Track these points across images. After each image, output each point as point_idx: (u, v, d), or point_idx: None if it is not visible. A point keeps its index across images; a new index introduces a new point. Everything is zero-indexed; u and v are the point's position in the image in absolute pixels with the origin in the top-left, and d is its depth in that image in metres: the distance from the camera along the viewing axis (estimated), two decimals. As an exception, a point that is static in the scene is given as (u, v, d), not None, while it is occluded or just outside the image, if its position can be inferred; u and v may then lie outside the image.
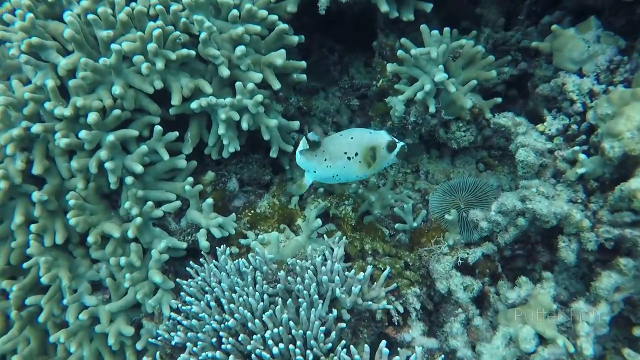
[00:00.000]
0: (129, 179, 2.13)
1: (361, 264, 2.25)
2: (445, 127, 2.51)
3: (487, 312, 2.12)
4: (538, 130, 2.15)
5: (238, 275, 2.09)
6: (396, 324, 2.14)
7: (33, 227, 2.09)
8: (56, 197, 2.18)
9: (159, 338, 2.08)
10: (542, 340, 1.86)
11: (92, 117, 2.04)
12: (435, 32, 2.24)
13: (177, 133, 2.25)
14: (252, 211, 2.47)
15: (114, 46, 2.02)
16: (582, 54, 2.13)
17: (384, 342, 1.79)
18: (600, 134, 1.94)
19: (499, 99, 2.41)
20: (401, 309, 2.15)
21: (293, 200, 2.54)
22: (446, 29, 2.26)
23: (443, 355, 2.01)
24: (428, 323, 2.24)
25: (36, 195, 2.07)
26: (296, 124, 2.42)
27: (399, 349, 2.07)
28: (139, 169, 2.12)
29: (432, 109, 2.29)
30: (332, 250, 2.24)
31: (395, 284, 2.14)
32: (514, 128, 2.18)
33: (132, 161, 2.14)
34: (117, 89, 2.06)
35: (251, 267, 2.07)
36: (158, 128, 2.18)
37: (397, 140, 1.93)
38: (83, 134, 2.03)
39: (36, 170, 2.11)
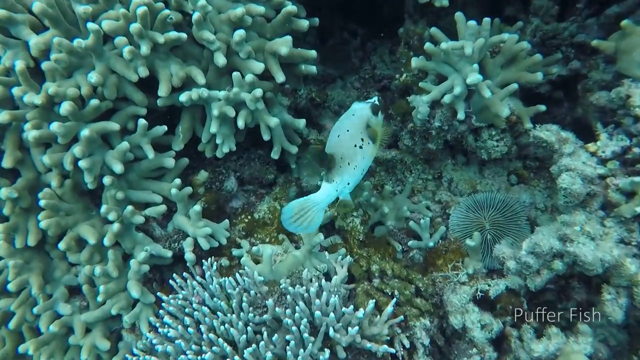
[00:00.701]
0: (107, 179, 1.86)
1: (365, 288, 1.97)
2: (475, 134, 2.14)
3: (506, 358, 1.82)
4: (588, 151, 1.77)
5: (224, 296, 1.84)
6: (400, 358, 1.88)
7: (1, 226, 1.87)
8: (30, 192, 1.94)
9: (134, 357, 1.87)
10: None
11: (66, 107, 1.76)
12: (472, 22, 1.85)
13: (165, 127, 1.96)
14: (250, 216, 2.19)
15: (91, 25, 1.72)
16: (656, 60, 1.71)
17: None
18: (670, 165, 1.56)
19: (543, 107, 2.01)
20: (407, 343, 1.88)
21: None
22: (486, 20, 1.86)
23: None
24: (437, 357, 1.97)
25: (4, 192, 1.83)
26: (302, 122, 2.09)
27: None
28: (118, 168, 1.85)
29: (461, 115, 1.92)
30: (335, 269, 1.97)
31: (401, 316, 1.86)
32: (559, 145, 1.80)
33: (112, 158, 1.87)
34: (93, 77, 1.77)
35: (238, 288, 1.82)
36: (142, 122, 1.89)
37: (373, 101, 1.76)
38: (55, 126, 1.76)
39: (6, 163, 1.86)
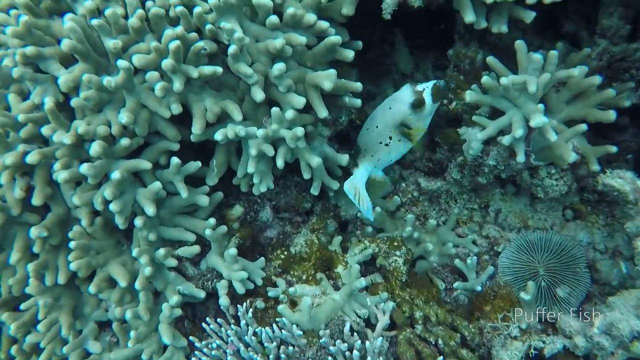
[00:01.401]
0: (139, 221, 1.77)
1: (408, 337, 1.86)
2: (532, 171, 1.97)
3: (562, 422, 1.70)
4: (667, 204, 1.59)
5: (260, 347, 1.76)
6: (443, 414, 1.78)
7: (31, 266, 1.81)
8: (60, 228, 1.88)
9: (167, 403, 1.82)
10: None
11: (96, 148, 1.66)
12: (537, 56, 1.65)
13: (199, 164, 1.84)
14: (286, 252, 2.08)
15: (121, 63, 1.59)
16: None
17: None
18: None
19: (614, 148, 1.81)
20: (451, 400, 1.78)
21: (335, 241, 2.13)
22: (552, 53, 1.66)
23: None
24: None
25: (34, 232, 1.75)
26: (345, 158, 1.95)
27: None
28: (151, 210, 1.75)
29: (521, 159, 1.75)
30: (375, 315, 1.86)
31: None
32: (634, 196, 1.63)
33: (144, 199, 1.78)
34: (124, 117, 1.65)
35: (275, 340, 1.73)
36: (176, 160, 1.78)
37: (422, 91, 1.83)
38: (85, 168, 1.66)
39: (36, 200, 1.78)
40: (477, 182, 2.08)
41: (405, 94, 1.86)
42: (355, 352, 1.58)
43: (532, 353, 1.74)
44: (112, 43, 1.64)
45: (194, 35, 1.68)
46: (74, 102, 1.71)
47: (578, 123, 1.75)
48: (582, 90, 1.75)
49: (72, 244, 1.80)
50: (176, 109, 1.70)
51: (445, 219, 2.27)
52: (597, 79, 1.71)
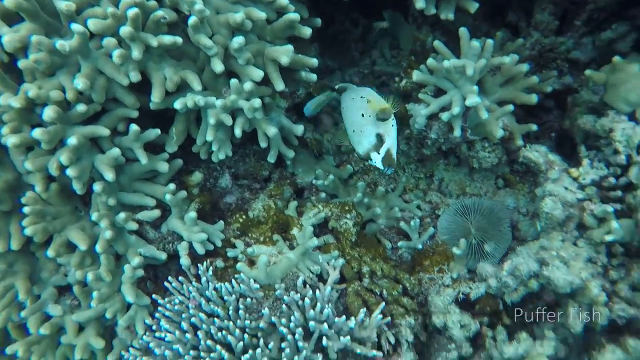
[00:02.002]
0: (97, 187, 1.79)
1: (356, 288, 2.09)
2: (469, 144, 2.21)
3: (481, 354, 2.04)
4: (571, 176, 1.90)
5: (220, 301, 1.91)
6: (386, 352, 2.06)
7: (-18, 232, 1.79)
8: (10, 194, 1.85)
9: (131, 356, 1.94)
10: (532, 401, 1.82)
11: (50, 113, 1.63)
12: (475, 43, 1.84)
13: (158, 131, 1.86)
14: (244, 216, 2.21)
15: (75, 27, 1.55)
16: (642, 96, 1.81)
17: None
18: (638, 199, 1.71)
19: (534, 127, 2.08)
20: (392, 340, 2.05)
21: (291, 206, 2.28)
22: (489, 42, 1.85)
23: (427, 393, 1.97)
24: (419, 349, 2.17)
25: (-17, 198, 1.74)
26: (300, 129, 2.06)
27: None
28: (110, 176, 1.77)
29: (457, 133, 1.97)
30: (327, 271, 2.07)
31: (389, 317, 2.02)
32: (545, 167, 1.92)
33: (103, 165, 1.80)
34: (80, 83, 1.62)
35: (234, 294, 1.89)
36: (134, 127, 1.79)
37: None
38: (38, 133, 1.64)
39: (-17, 165, 1.75)
40: (422, 153, 2.30)
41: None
42: (306, 300, 1.78)
43: (460, 297, 2.04)
44: (64, 5, 1.58)
45: (153, 3, 1.66)
46: (22, 64, 1.65)
47: (509, 104, 1.99)
48: (512, 75, 1.97)
49: (25, 210, 1.78)
50: (135, 77, 1.70)
51: (394, 187, 2.50)
52: (524, 67, 1.94)
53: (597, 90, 2.04)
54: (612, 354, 1.74)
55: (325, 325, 1.75)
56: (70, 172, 1.72)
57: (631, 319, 1.70)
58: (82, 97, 1.74)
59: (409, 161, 2.40)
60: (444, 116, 1.92)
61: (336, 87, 2.20)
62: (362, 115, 1.93)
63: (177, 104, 1.78)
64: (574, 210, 1.88)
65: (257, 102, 1.79)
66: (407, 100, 2.17)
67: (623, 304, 1.70)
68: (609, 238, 1.75)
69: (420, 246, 2.24)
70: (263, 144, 1.96)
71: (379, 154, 1.88)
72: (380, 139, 1.88)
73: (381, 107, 1.84)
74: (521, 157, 1.97)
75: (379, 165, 1.88)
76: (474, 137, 2.09)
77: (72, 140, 1.68)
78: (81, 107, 1.71)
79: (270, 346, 1.74)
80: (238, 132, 1.87)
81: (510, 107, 1.94)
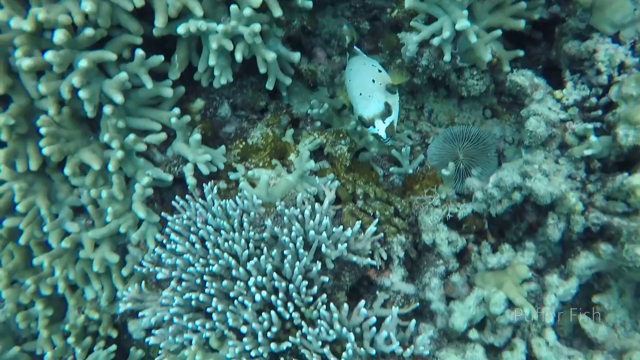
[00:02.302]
0: (108, 109, 1.96)
1: (351, 209, 2.29)
2: (458, 72, 2.34)
3: (467, 268, 2.25)
4: (555, 97, 2.05)
5: (225, 216, 2.11)
6: (378, 267, 2.28)
7: (1, 152, 1.98)
8: (25, 118, 2.02)
9: (143, 268, 2.17)
10: (511, 304, 2.04)
11: (59, 36, 1.78)
12: (466, -32, 1.96)
13: (162, 57, 2.01)
14: (244, 142, 2.38)
15: (81, -51, 1.69)
16: (626, 17, 1.92)
17: (362, 302, 1.91)
18: (617, 116, 1.87)
19: (521, 52, 2.21)
20: (385, 256, 2.26)
21: (288, 133, 2.45)
22: (480, -36, 1.97)
23: (418, 304, 2.20)
24: (409, 267, 2.39)
25: (0, 120, 1.91)
26: (297, 56, 2.20)
27: (377, 292, 2.24)
28: (119, 99, 1.94)
29: (447, 58, 2.11)
30: (323, 192, 2.25)
31: (382, 233, 2.22)
32: (531, 90, 2.06)
33: (111, 88, 1.96)
34: (87, 5, 1.77)
35: (238, 209, 2.08)
36: (140, 52, 1.94)
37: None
38: (50, 55, 1.79)
39: (-2, 89, 1.90)
40: (413, 83, 2.44)
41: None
42: (306, 212, 1.97)
43: (448, 216, 2.24)
44: None
45: None
46: (31, -11, 1.78)
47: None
48: (500, 2, 2.09)
49: (42, 131, 1.96)
50: (139, 1, 1.83)
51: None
52: (513, -8, 2.05)
53: (584, 18, 2.15)
54: (586, 259, 1.94)
55: (324, 234, 1.95)
56: (82, 94, 1.88)
57: (604, 226, 1.89)
58: (89, 22, 1.87)
59: (400, 92, 2.54)
60: (435, 41, 2.05)
61: (347, 46, 2.29)
62: (373, 81, 2.01)
63: (181, 29, 1.91)
64: (557, 130, 2.04)
65: (256, 26, 1.93)
66: (398, 30, 2.29)
67: (597, 212, 1.89)
68: (588, 152, 1.91)
69: (411, 171, 2.42)
70: (262, 69, 2.11)
71: (384, 122, 1.94)
72: (388, 109, 1.94)
73: (395, 78, 1.95)
74: (508, 81, 2.11)
75: (382, 133, 1.93)
76: (463, 64, 2.23)
77: (83, 63, 1.84)
78: (89, 31, 1.85)
79: (273, 253, 1.95)
80: (238, 57, 2.01)
81: (499, 32, 2.07)
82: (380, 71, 2.11)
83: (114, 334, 2.39)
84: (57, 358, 2.34)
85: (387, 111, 1.95)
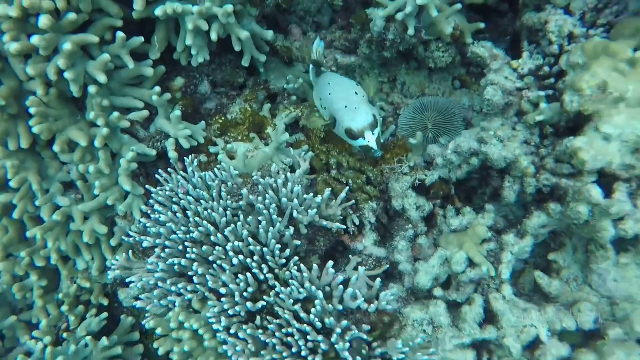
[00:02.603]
0: (92, 89, 2.16)
1: (324, 178, 2.50)
2: (425, 45, 2.54)
3: (434, 231, 2.47)
4: (512, 67, 2.24)
5: (204, 187, 2.32)
6: (351, 233, 2.49)
7: (-5, 131, 2.18)
8: (15, 100, 2.22)
9: (130, 238, 2.38)
10: (472, 263, 2.26)
11: (44, 21, 1.97)
12: (426, -57, 2.13)
13: (142, 38, 2.21)
14: (223, 118, 2.58)
15: (61, -62, 1.87)
16: (575, -11, 2.11)
17: (330, 262, 2.12)
18: (566, 83, 2.06)
19: (482, 25, 2.40)
20: (357, 222, 2.48)
21: (265, 108, 2.65)
22: (439, -58, 2.15)
23: (388, 266, 2.42)
24: (383, 232, 2.60)
25: (-8, 100, 2.10)
26: (270, 34, 2.39)
27: (350, 256, 2.46)
28: (102, 78, 2.14)
29: (411, 32, 2.29)
30: (299, 163, 2.46)
31: (353, 200, 2.43)
32: (490, 60, 2.26)
33: (94, 69, 2.15)
34: (70, -9, 1.96)
35: (217, 180, 2.29)
36: (121, 35, 2.13)
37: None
38: (36, 39, 1.99)
39: (-13, 72, 2.10)
40: (384, 57, 2.63)
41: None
42: (279, 180, 2.18)
43: (416, 183, 2.44)
44: None
45: None
46: (15, -24, 1.96)
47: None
48: (461, -25, 2.27)
49: (31, 111, 2.16)
50: (117, -15, 2.02)
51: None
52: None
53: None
54: (538, 219, 2.15)
55: (296, 201, 2.16)
56: (67, 75, 2.08)
57: (554, 187, 2.10)
58: (71, 7, 2.06)
59: (372, 66, 2.73)
60: (399, 16, 2.24)
61: (313, 62, 2.36)
62: (356, 93, 2.11)
63: (158, 11, 2.10)
64: (514, 98, 2.24)
65: (229, 7, 2.11)
66: (367, 6, 2.47)
67: (548, 174, 2.09)
68: (539, 118, 2.11)
69: (382, 141, 2.61)
70: (237, 48, 2.30)
71: (373, 134, 1.99)
72: (375, 120, 2.00)
73: (371, 90, 2.05)
74: (469, 52, 2.30)
75: (373, 144, 1.98)
76: (429, 37, 2.41)
77: (67, 46, 2.03)
78: (72, 16, 2.04)
79: (249, 220, 2.16)
80: (214, 36, 2.20)
81: (459, 6, 2.25)
82: (357, 84, 2.22)
83: (105, 302, 2.62)
84: (52, 326, 2.56)
85: (375, 122, 2.01)
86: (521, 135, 2.21)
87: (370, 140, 1.99)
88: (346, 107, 2.05)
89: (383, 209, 2.54)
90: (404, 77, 2.85)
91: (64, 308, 2.54)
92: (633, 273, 2.13)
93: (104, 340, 2.45)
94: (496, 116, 2.25)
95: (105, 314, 2.58)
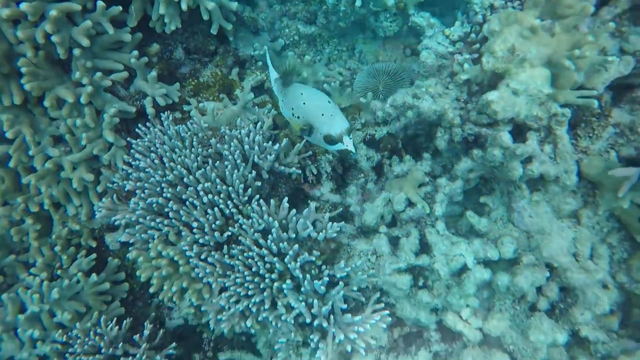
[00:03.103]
0: (77, 51, 2.51)
1: (286, 133, 2.89)
2: (376, 16, 2.92)
3: (382, 179, 2.89)
4: (444, 34, 2.63)
5: (178, 138, 2.70)
6: (310, 182, 2.90)
7: (-10, 88, 2.52)
8: (7, 61, 2.56)
9: (114, 184, 2.77)
10: (411, 203, 2.68)
11: (34, -11, 2.31)
12: None
13: (120, 7, 2.55)
14: (196, 80, 2.95)
15: None
16: (495, -36, 2.49)
17: (286, 198, 2.53)
18: (485, 47, 2.46)
19: (422, -2, 2.80)
20: (315, 171, 2.88)
21: (233, 72, 3.02)
22: None
23: (341, 209, 2.83)
24: (340, 183, 3.01)
25: (-13, 60, 2.45)
26: (234, 5, 2.75)
27: (309, 201, 2.87)
28: (85, 42, 2.48)
29: (358, 3, 2.67)
30: (263, 120, 2.84)
31: (310, 151, 2.83)
32: (427, 29, 2.65)
33: (78, 34, 2.49)
34: (56, -37, 2.29)
35: (189, 132, 2.67)
36: (101, 3, 2.47)
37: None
38: (25, 6, 2.33)
39: (-18, 35, 2.43)
40: (339, 26, 3.01)
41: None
42: (242, 131, 2.57)
43: (367, 137, 2.84)
44: None
45: None
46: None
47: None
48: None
49: (22, 70, 2.50)
50: (97, -42, 2.36)
51: (320, 58, 3.22)
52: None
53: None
54: (465, 163, 2.57)
55: (256, 148, 2.56)
56: (54, 38, 2.42)
57: (476, 135, 2.51)
58: (57, -23, 2.39)
59: (331, 35, 3.11)
60: (346, -12, 2.60)
61: (283, 74, 2.48)
62: (329, 101, 2.34)
63: (132, -18, 2.44)
64: (447, 61, 2.63)
65: (195, -22, 2.46)
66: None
67: (471, 124, 2.51)
68: (464, 77, 2.51)
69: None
70: (205, 16, 2.65)
71: (350, 138, 2.21)
72: (350, 126, 2.24)
73: (343, 100, 2.31)
74: (410, 21, 2.68)
75: (352, 148, 2.21)
76: (377, 9, 2.79)
77: (53, 13, 2.37)
78: (57, -15, 2.37)
79: (217, 165, 2.56)
80: (184, 6, 2.55)
81: (398, -20, 2.62)
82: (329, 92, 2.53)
83: (94, 244, 3.00)
84: (47, 264, 2.95)
85: (350, 127, 2.28)
86: (452, 92, 2.61)
87: (349, 144, 2.24)
88: (323, 115, 2.25)
89: (339, 160, 2.94)
90: (361, 46, 3.23)
91: (57, 249, 2.93)
92: (543, 209, 2.57)
93: (94, 277, 2.85)
94: (432, 76, 2.65)
95: (93, 255, 2.96)
